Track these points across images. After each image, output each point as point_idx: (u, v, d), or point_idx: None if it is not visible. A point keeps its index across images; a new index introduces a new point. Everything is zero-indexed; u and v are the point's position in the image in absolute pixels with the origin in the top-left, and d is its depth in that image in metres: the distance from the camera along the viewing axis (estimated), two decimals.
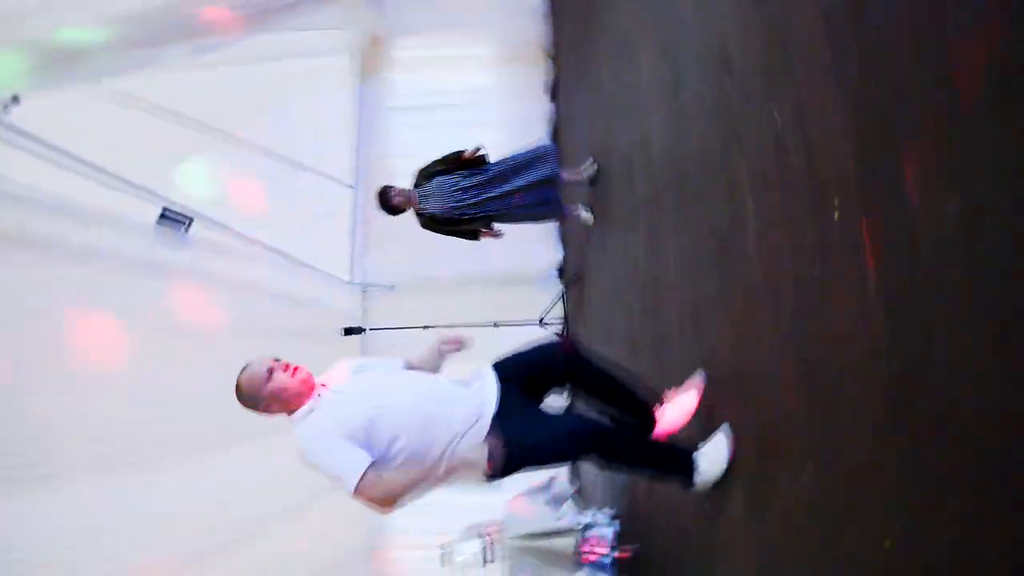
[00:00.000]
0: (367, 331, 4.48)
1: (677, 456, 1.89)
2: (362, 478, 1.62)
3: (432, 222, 3.67)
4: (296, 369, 1.78)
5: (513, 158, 3.63)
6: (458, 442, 1.73)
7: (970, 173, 1.05)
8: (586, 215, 3.85)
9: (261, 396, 1.78)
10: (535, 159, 3.59)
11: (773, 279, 1.72)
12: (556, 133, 5.30)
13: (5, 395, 2.15)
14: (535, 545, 3.02)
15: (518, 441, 1.70)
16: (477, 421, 1.77)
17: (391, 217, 3.73)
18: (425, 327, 4.50)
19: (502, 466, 1.69)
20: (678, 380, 2.14)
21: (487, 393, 1.84)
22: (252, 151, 4.27)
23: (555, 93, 5.36)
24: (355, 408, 1.74)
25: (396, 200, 3.55)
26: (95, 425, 2.47)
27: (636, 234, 3.00)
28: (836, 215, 1.44)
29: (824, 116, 1.47)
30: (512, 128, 5.44)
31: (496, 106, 5.54)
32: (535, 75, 5.45)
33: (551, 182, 3.62)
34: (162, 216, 3.04)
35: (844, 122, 1.39)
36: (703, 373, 2.03)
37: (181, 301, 3.05)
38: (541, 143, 3.78)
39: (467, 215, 3.58)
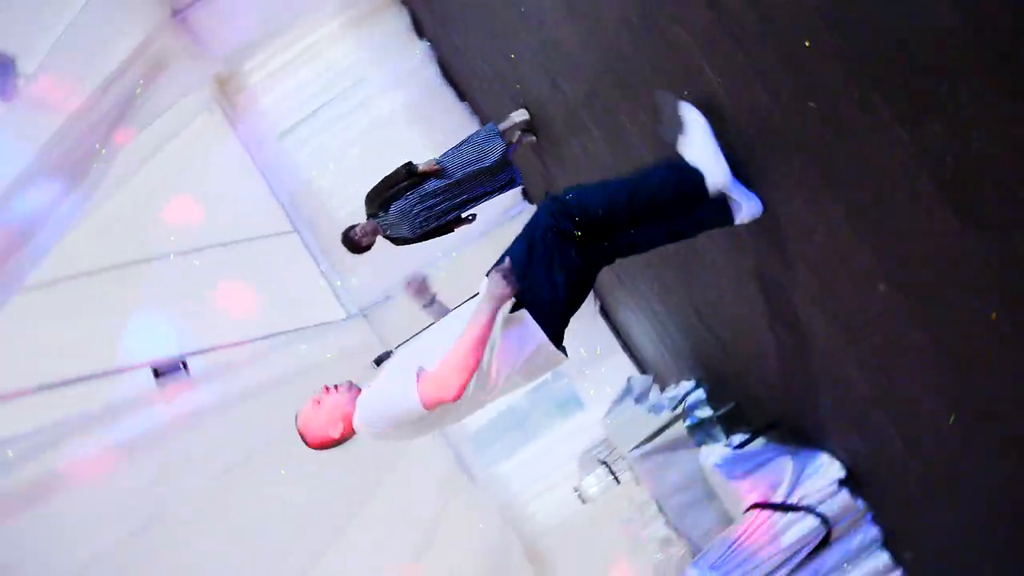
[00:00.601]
0: (394, 349, 4.45)
1: (703, 206, 1.87)
2: (421, 389, 1.59)
3: (404, 241, 3.57)
4: (337, 386, 1.78)
5: (465, 165, 3.46)
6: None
7: None
8: (529, 138, 3.70)
9: (324, 425, 1.74)
10: (488, 163, 3.43)
11: (766, 130, 1.67)
12: (445, 68, 4.98)
13: None
14: (652, 447, 3.18)
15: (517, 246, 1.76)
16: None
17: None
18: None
19: (514, 271, 1.66)
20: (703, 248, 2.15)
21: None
22: (180, 259, 4.03)
23: (421, 30, 4.97)
24: (394, 360, 1.78)
25: (364, 241, 3.43)
26: None
27: (589, 134, 2.88)
28: (807, 43, 1.36)
29: None
30: (404, 84, 5.11)
31: (376, 71, 5.17)
32: (393, 21, 5.03)
33: (507, 170, 3.56)
34: (156, 375, 2.93)
35: None
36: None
37: (231, 434, 3.02)
38: (482, 133, 3.57)
39: (436, 225, 3.49)
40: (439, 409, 1.63)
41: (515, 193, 4.87)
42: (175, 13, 4.68)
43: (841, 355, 1.99)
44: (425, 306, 2.05)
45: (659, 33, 1.84)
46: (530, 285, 1.72)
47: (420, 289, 2.03)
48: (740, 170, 1.85)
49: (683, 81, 1.87)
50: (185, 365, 3.04)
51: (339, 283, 4.99)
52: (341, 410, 1.72)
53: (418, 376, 1.60)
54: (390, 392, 1.66)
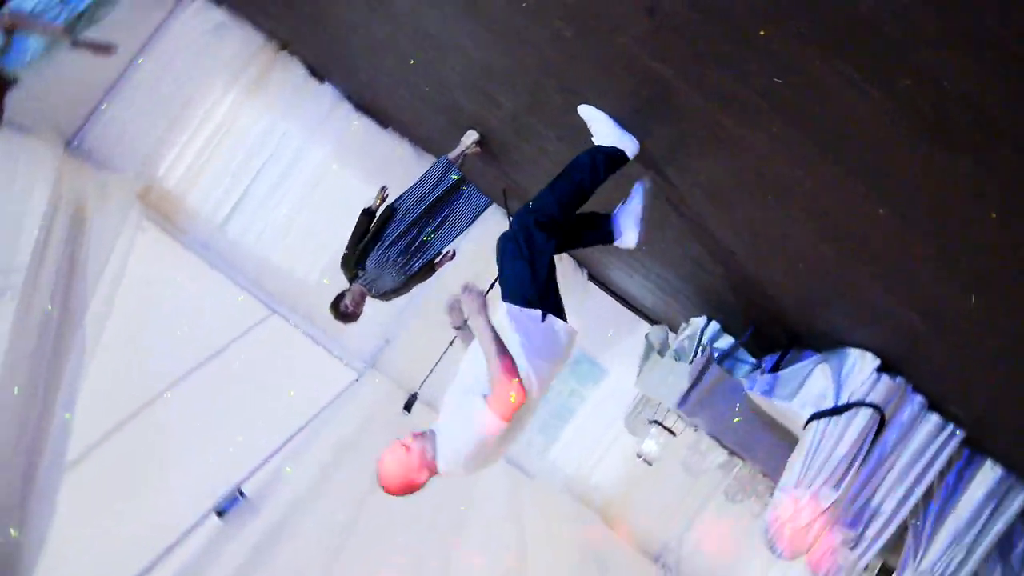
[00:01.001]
0: (418, 390, 4.48)
1: (600, 224, 2.47)
2: (492, 409, 1.78)
3: (394, 293, 3.56)
4: (423, 433, 1.90)
5: (422, 199, 3.43)
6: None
7: None
8: (473, 150, 3.69)
9: (415, 469, 1.85)
10: (441, 190, 3.41)
11: (732, 107, 1.73)
12: (358, 102, 4.85)
13: None
14: (696, 393, 3.34)
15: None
16: None
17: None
18: (451, 343, 4.50)
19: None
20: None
21: None
22: (182, 387, 3.94)
23: (321, 74, 4.81)
24: (450, 393, 1.95)
25: (354, 309, 3.41)
26: None
27: (542, 136, 2.91)
28: (762, 32, 1.42)
29: None
30: (322, 129, 4.97)
31: (291, 127, 5.01)
32: (287, 75, 4.85)
33: (465, 191, 3.53)
34: (220, 515, 2.93)
35: None
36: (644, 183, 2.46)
37: (313, 539, 3.05)
38: (437, 167, 3.54)
39: (417, 267, 3.48)
40: (515, 416, 1.82)
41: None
42: (68, 144, 4.43)
43: (853, 271, 2.13)
44: (458, 327, 2.24)
45: (599, 42, 1.87)
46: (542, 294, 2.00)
47: (458, 311, 2.22)
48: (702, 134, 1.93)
49: (633, 79, 1.92)
50: (242, 492, 3.04)
51: (335, 347, 4.94)
52: (427, 456, 1.84)
53: (487, 402, 1.79)
54: (467, 428, 1.81)
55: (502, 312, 2.01)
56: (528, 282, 2.00)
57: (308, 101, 4.90)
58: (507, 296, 2.01)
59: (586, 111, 2.30)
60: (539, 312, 1.95)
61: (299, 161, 5.06)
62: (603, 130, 2.27)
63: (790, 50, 1.39)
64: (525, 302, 1.95)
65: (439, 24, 2.56)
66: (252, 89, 4.85)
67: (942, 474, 2.74)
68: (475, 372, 1.88)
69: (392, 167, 4.90)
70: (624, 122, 2.22)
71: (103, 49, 3.06)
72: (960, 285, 1.80)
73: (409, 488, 1.87)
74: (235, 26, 4.66)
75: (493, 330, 1.83)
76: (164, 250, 4.64)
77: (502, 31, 2.22)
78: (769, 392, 2.96)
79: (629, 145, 2.27)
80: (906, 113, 1.34)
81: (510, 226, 2.12)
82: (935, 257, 1.74)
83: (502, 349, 1.81)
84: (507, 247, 2.07)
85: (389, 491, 1.87)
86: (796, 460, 2.69)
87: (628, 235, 2.48)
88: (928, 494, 2.74)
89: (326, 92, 4.88)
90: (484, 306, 1.88)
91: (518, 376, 1.80)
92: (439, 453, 1.85)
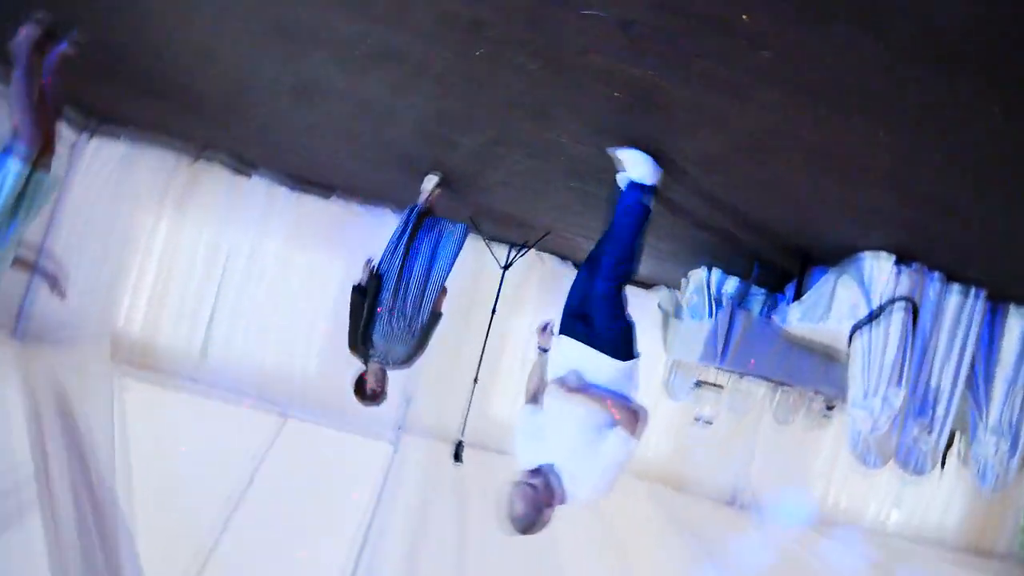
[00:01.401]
0: (462, 436, 4.42)
1: None
2: (630, 432, 2.02)
3: (409, 358, 3.46)
4: (533, 470, 1.99)
5: (398, 250, 3.34)
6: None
7: None
8: (437, 194, 3.63)
9: (544, 505, 1.96)
10: (408, 233, 3.31)
11: (721, 87, 1.75)
12: (297, 179, 4.69)
13: None
14: (730, 346, 3.41)
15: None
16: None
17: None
18: (475, 380, 4.47)
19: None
20: None
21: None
22: (233, 532, 3.77)
23: (246, 170, 4.62)
24: (562, 431, 2.08)
25: (378, 389, 3.31)
26: None
27: (513, 158, 2.88)
28: (745, 16, 1.44)
29: None
30: (267, 220, 4.78)
31: (237, 229, 4.80)
32: (215, 179, 4.65)
33: (437, 223, 3.43)
34: None
35: None
36: None
37: None
38: (408, 218, 3.45)
39: (424, 320, 3.39)
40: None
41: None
42: (13, 333, 4.13)
43: (858, 191, 2.21)
44: (543, 350, 2.38)
45: (570, 66, 1.85)
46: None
47: (548, 334, 2.37)
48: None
49: (611, 89, 1.92)
50: None
51: (358, 425, 4.79)
52: (554, 489, 1.95)
53: (620, 428, 1.99)
54: (607, 457, 1.98)
55: (575, 352, 2.16)
56: (629, 338, 2.20)
57: (243, 199, 4.71)
58: (609, 350, 2.14)
59: (619, 152, 2.32)
60: (636, 361, 2.20)
61: (256, 259, 4.87)
62: (633, 163, 2.31)
63: (778, 27, 1.42)
64: (626, 356, 2.15)
65: (381, 92, 2.49)
66: (181, 206, 4.63)
67: (977, 334, 2.89)
68: (584, 410, 2.03)
69: (349, 230, 4.79)
70: (610, 126, 2.22)
71: (53, 283, 2.92)
72: (969, 178, 1.89)
73: (542, 523, 1.94)
74: (141, 153, 4.43)
75: (594, 388, 2.05)
76: (154, 398, 4.39)
77: (456, 80, 2.18)
78: (803, 319, 3.06)
79: (654, 173, 2.31)
80: (903, 51, 1.38)
81: (597, 284, 2.24)
82: (941, 159, 1.82)
83: (606, 394, 2.04)
84: (606, 309, 2.20)
85: (524, 531, 1.94)
86: (855, 374, 2.79)
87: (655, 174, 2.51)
88: (972, 357, 2.90)
89: (258, 184, 4.70)
90: (579, 386, 2.05)
91: (628, 403, 2.08)
92: (567, 486, 1.96)
